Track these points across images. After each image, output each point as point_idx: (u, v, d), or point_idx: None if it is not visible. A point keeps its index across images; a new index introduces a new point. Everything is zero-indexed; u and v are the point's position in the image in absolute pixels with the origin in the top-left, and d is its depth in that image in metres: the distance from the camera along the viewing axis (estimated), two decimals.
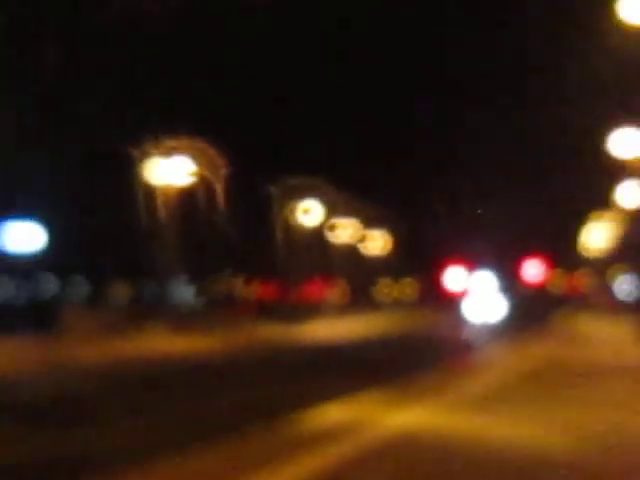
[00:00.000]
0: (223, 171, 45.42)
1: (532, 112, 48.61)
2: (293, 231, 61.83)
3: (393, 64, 58.12)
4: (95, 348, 28.43)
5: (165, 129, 42.28)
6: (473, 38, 53.09)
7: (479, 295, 57.26)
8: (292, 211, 61.08)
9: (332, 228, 67.71)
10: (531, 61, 48.03)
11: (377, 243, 79.04)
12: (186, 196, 44.12)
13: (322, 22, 51.83)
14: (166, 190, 42.92)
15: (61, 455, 9.53)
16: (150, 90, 43.52)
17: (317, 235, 65.34)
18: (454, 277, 62.93)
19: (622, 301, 56.28)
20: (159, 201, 42.87)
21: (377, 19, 54.32)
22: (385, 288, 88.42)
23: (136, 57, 42.48)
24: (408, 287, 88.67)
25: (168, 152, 42.56)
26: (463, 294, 59.18)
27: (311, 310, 60.18)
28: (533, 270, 64.97)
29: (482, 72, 55.10)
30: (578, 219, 60.97)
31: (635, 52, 19.41)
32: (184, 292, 55.88)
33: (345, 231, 70.41)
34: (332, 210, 65.16)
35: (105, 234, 46.55)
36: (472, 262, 60.80)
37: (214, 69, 47.72)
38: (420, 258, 74.50)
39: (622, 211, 44.90)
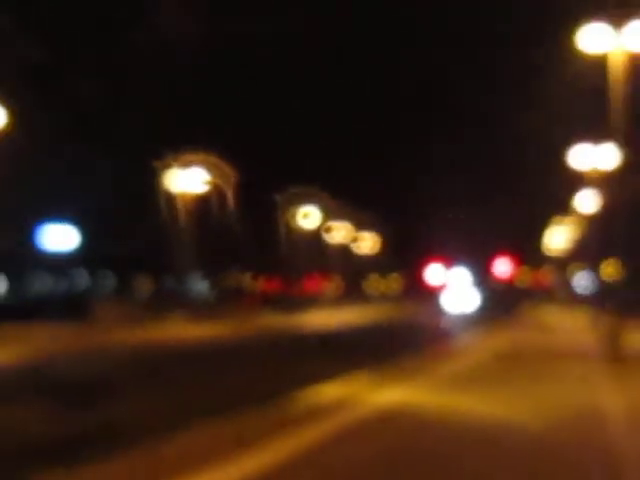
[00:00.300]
0: (233, 180, 45.44)
1: (503, 130, 48.80)
2: (294, 233, 61.84)
3: (379, 89, 59.22)
4: (121, 334, 28.40)
5: (183, 145, 42.42)
6: (452, 62, 53.33)
7: (455, 288, 57.24)
8: (293, 215, 61.15)
9: (328, 230, 67.73)
10: (503, 85, 48.21)
11: (367, 243, 79.14)
12: (201, 202, 44.14)
13: (318, 55, 51.98)
14: (184, 197, 42.95)
15: (92, 427, 9.51)
16: (171, 111, 43.73)
17: (315, 236, 65.38)
18: (434, 273, 62.81)
19: (580, 294, 56.33)
20: (178, 206, 42.90)
21: (368, 49, 54.75)
22: (374, 282, 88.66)
23: (158, 83, 42.63)
24: (394, 282, 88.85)
25: (186, 164, 42.65)
26: (442, 288, 59.12)
27: (309, 302, 60.17)
28: (503, 267, 64.92)
29: (458, 91, 55.40)
30: (542, 222, 61.03)
31: (592, 78, 19.34)
32: (199, 286, 55.85)
33: (339, 233, 70.46)
34: (328, 215, 65.25)
35: (130, 235, 46.65)
36: (449, 260, 60.74)
37: (227, 95, 48.04)
38: (404, 256, 74.67)
39: (580, 216, 44.87)
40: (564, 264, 65.49)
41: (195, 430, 7.98)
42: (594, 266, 37.53)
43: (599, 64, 18.79)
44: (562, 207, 48.15)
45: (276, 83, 51.20)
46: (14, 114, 29.47)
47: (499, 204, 59.47)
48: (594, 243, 36.37)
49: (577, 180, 33.81)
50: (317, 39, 47.80)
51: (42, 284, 51.75)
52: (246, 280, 67.46)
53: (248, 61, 49.93)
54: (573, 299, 57.19)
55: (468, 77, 53.38)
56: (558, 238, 60.99)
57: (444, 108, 59.84)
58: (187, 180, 43.00)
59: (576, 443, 7.63)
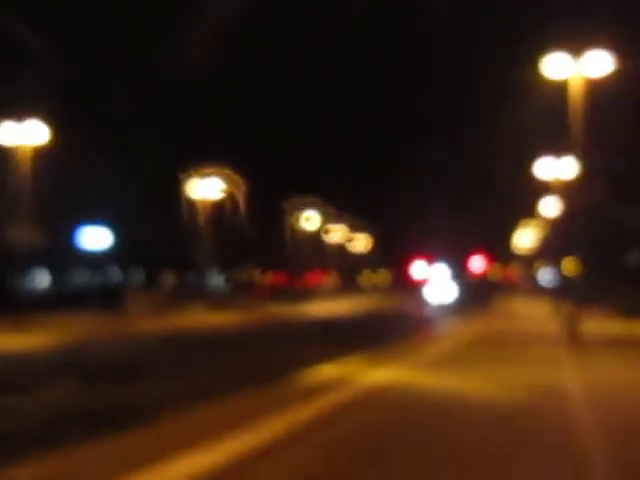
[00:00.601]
0: (243, 189, 45.51)
1: (479, 146, 49.04)
2: (297, 234, 61.80)
3: (369, 120, 60.50)
4: (149, 322, 28.39)
5: (202, 160, 42.58)
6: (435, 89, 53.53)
7: (436, 282, 57.09)
8: (297, 219, 61.12)
9: (327, 232, 67.76)
10: (479, 107, 48.35)
11: (360, 243, 79.34)
12: (217, 208, 44.18)
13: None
14: (203, 203, 42.98)
15: (121, 402, 9.55)
16: (193, 131, 43.90)
17: (315, 237, 65.35)
18: (417, 268, 62.57)
19: (543, 287, 56.30)
20: (198, 211, 42.98)
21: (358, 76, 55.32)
22: (366, 276, 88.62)
23: (181, 106, 42.71)
24: (383, 276, 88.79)
25: (204, 175, 42.74)
26: (424, 281, 58.95)
27: (311, 293, 60.15)
28: (477, 263, 64.73)
29: (441, 113, 55.70)
30: (511, 225, 61.10)
31: (554, 101, 19.38)
32: (216, 280, 55.68)
33: (336, 234, 70.53)
34: (327, 219, 65.34)
35: (157, 236, 46.67)
36: (431, 257, 60.55)
37: (240, 118, 48.29)
38: (392, 254, 74.74)
39: (544, 219, 44.84)
40: (530, 261, 65.55)
41: (212, 404, 8.01)
42: (556, 263, 37.57)
43: (561, 88, 18.82)
44: (528, 212, 48.05)
45: (284, 114, 52.22)
46: (55, 131, 29.49)
47: (474, 209, 59.81)
48: (556, 243, 36.39)
49: (541, 188, 33.77)
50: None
51: (80, 278, 51.65)
52: (256, 275, 67.34)
53: (262, 88, 50.44)
54: (537, 291, 57.21)
55: (450, 100, 53.58)
56: (525, 238, 60.97)
57: (429, 130, 60.84)
58: (205, 189, 43.12)
59: (542, 412, 7.70)
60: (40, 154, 29.08)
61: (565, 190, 27.02)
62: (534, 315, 32.14)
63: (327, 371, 11.22)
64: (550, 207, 37.22)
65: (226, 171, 43.71)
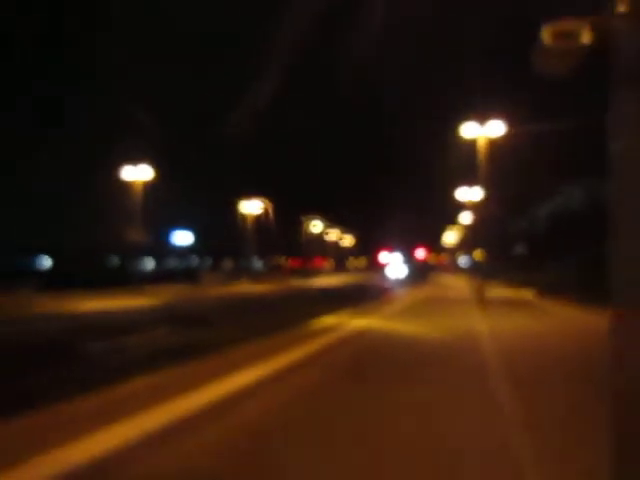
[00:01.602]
0: (272, 208, 45.71)
1: (425, 179, 49.04)
2: (308, 235, 61.99)
3: (356, 159, 60.91)
4: (215, 290, 28.51)
5: (248, 190, 42.78)
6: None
7: (394, 264, 57.19)
8: (308, 226, 61.32)
9: (326, 234, 67.83)
10: (424, 155, 48.30)
11: (348, 240, 79.36)
12: (258, 218, 44.24)
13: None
14: (249, 216, 43.03)
15: (197, 340, 9.56)
16: (243, 172, 44.06)
17: (319, 237, 65.53)
18: (383, 256, 62.73)
19: (461, 268, 56.24)
20: (246, 221, 43.04)
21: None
22: (351, 261, 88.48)
23: (235, 157, 42.77)
24: (362, 261, 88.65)
25: (249, 198, 42.80)
26: (387, 264, 59.01)
27: (316, 272, 60.11)
28: (421, 253, 64.80)
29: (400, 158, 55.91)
30: (442, 229, 60.88)
31: (468, 152, 19.31)
32: (257, 264, 55.74)
33: (332, 235, 70.65)
34: (327, 225, 65.45)
35: (220, 236, 46.83)
36: (391, 248, 60.69)
37: (271, 166, 48.42)
38: (367, 247, 75.23)
39: (462, 226, 44.74)
40: (453, 251, 65.31)
41: (256, 341, 7.99)
42: (469, 252, 37.58)
43: (472, 144, 18.80)
44: (452, 220, 47.85)
45: (299, 164, 52.53)
46: (157, 171, 29.55)
47: (419, 219, 59.72)
48: (469, 240, 36.40)
49: (460, 206, 33.64)
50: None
51: (173, 263, 51.72)
52: (282, 260, 67.32)
53: (283, 145, 50.60)
54: (458, 271, 57.09)
55: (404, 152, 53.65)
56: (450, 237, 60.70)
57: (391, 172, 61.47)
58: (251, 207, 43.16)
59: (461, 342, 7.75)
60: (147, 185, 29.13)
61: (475, 207, 27.00)
62: (456, 286, 32.17)
63: (326, 320, 11.23)
64: (465, 218, 37.14)
65: (262, 197, 44.01)
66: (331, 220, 65.41)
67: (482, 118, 18.37)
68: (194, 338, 10.07)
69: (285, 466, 3.14)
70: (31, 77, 34.49)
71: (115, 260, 44.50)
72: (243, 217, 43.14)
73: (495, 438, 3.53)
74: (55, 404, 4.21)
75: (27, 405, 4.22)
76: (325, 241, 69.15)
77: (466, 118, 18.69)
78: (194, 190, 40.69)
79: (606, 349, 2.00)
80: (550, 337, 8.86)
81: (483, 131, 18.44)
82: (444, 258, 73.21)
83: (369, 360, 6.66)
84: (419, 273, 51.92)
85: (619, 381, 1.95)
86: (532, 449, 3.28)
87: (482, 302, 16.42)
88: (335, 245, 75.31)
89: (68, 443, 3.05)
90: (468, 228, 38.13)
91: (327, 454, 3.28)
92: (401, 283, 40.40)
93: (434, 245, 67.61)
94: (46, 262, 47.30)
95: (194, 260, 53.55)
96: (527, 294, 21.53)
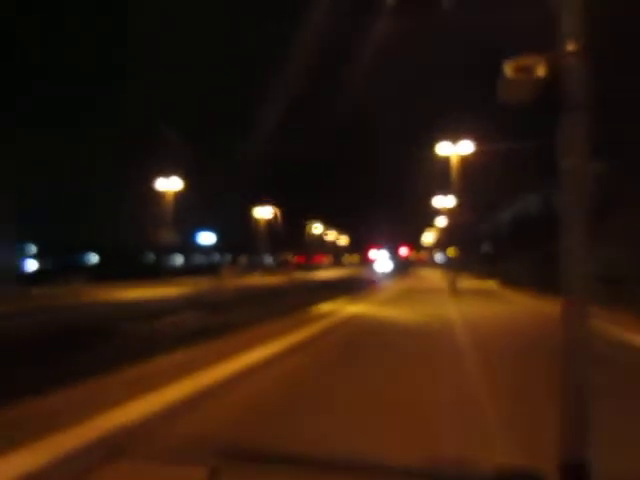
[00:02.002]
0: (279, 213, 45.67)
1: (406, 190, 48.78)
2: (310, 235, 61.86)
3: (347, 184, 60.86)
4: (233, 281, 28.47)
5: (261, 199, 42.73)
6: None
7: (381, 260, 57.19)
8: (310, 228, 61.20)
9: (325, 234, 67.72)
10: (405, 171, 47.90)
11: (343, 240, 79.10)
12: (269, 222, 44.19)
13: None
14: (261, 220, 43.00)
15: (219, 322, 9.57)
16: (257, 184, 43.96)
17: (320, 237, 65.39)
18: (372, 253, 62.72)
19: (438, 263, 56.18)
20: (259, 223, 43.01)
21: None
22: (347, 258, 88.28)
23: (250, 172, 42.64)
24: (355, 257, 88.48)
25: (262, 205, 42.77)
26: (375, 260, 59.00)
27: (317, 267, 60.00)
28: (404, 250, 64.75)
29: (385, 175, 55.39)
30: (421, 230, 60.74)
31: (443, 167, 19.30)
32: (268, 259, 55.72)
33: (331, 235, 70.38)
34: (325, 227, 65.34)
35: (238, 236, 46.79)
36: (379, 246, 60.68)
37: (280, 181, 48.18)
38: (360, 245, 74.92)
39: (438, 228, 44.66)
40: (431, 249, 65.19)
41: (269, 324, 8.03)
42: (444, 250, 37.51)
43: (447, 160, 18.79)
44: (430, 224, 47.68)
45: (303, 179, 51.87)
46: (186, 182, 29.48)
47: (402, 222, 59.58)
48: (444, 240, 36.31)
49: (437, 212, 33.56)
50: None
51: (198, 259, 51.78)
52: (289, 256, 67.28)
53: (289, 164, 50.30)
54: (435, 266, 56.96)
55: (389, 168, 53.33)
56: (428, 237, 60.64)
57: (376, 189, 61.49)
58: (263, 212, 43.10)
59: (438, 327, 7.70)
60: (177, 194, 29.11)
61: (448, 213, 26.94)
62: (433, 278, 32.17)
63: (325, 307, 11.25)
64: (441, 221, 37.07)
65: (272, 205, 43.98)
66: (329, 224, 65.45)
67: (454, 138, 18.38)
68: (216, 321, 10.09)
69: (304, 398, 3.51)
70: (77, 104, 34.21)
71: (150, 257, 44.51)
72: (256, 221, 43.07)
73: (463, 388, 3.84)
74: (103, 374, 4.25)
75: (82, 375, 4.26)
76: (324, 241, 69.02)
77: (441, 138, 18.72)
78: (216, 198, 40.74)
79: (555, 328, 2.05)
80: (509, 319, 8.88)
81: (455, 149, 18.43)
82: (423, 255, 73.10)
83: (362, 336, 6.70)
84: (402, 267, 51.92)
85: (568, 352, 2.03)
86: (491, 395, 3.59)
87: (454, 291, 16.43)
88: (333, 244, 75.14)
89: (117, 407, 3.11)
90: (443, 230, 38.03)
91: (331, 396, 3.67)
92: (387, 276, 40.38)
93: (415, 244, 67.48)
94: (93, 258, 47.44)
95: (216, 256, 53.53)
96: (492, 285, 21.52)
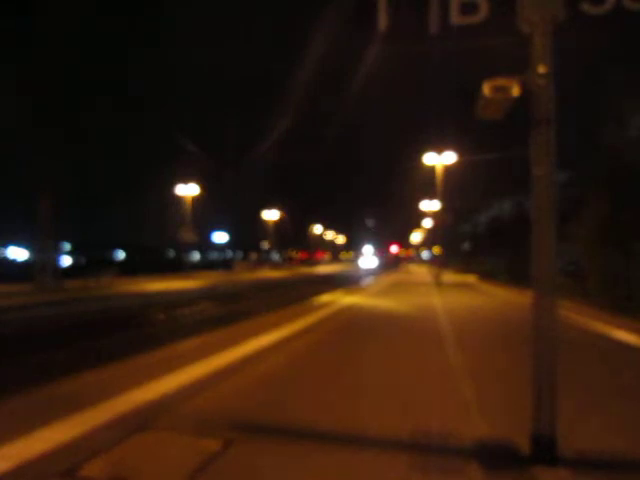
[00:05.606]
0: (286, 215, 45.54)
1: (392, 199, 48.36)
2: (312, 235, 61.80)
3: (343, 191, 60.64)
4: (244, 275, 28.44)
5: (269, 203, 42.67)
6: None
7: (368, 257, 56.97)
8: (312, 229, 61.10)
9: (325, 234, 67.67)
10: (392, 179, 47.70)
11: (341, 239, 79.16)
12: (276, 223, 44.16)
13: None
14: (270, 221, 42.93)
15: (232, 311, 9.55)
16: (267, 190, 43.85)
17: (320, 237, 65.34)
18: (366, 250, 62.55)
19: (424, 260, 56.06)
20: (267, 224, 42.93)
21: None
22: (344, 255, 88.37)
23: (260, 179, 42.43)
24: (351, 254, 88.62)
25: (270, 208, 42.71)
26: (367, 256, 58.86)
27: (317, 262, 59.96)
28: (394, 248, 64.58)
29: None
30: (410, 230, 60.54)
31: (429, 175, 19.20)
32: (275, 256, 55.64)
33: (329, 235, 70.42)
34: (325, 228, 65.29)
35: (248, 236, 46.80)
36: (371, 245, 60.52)
37: (286, 188, 48.03)
38: (354, 244, 74.74)
39: (425, 229, 44.50)
40: (418, 247, 65.03)
41: (276, 312, 8.02)
42: (430, 248, 37.38)
43: (432, 169, 18.72)
44: (417, 225, 47.65)
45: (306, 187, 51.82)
46: (202, 188, 29.39)
47: (393, 224, 59.54)
48: (430, 239, 36.21)
49: (423, 214, 33.42)
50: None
51: (213, 256, 51.75)
52: (293, 253, 67.29)
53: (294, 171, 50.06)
54: (422, 262, 56.82)
55: (376, 177, 53.23)
56: (416, 237, 60.55)
57: (365, 196, 61.56)
58: (271, 215, 43.00)
59: (424, 315, 7.66)
60: (195, 198, 29.05)
61: (434, 215, 26.82)
62: (420, 273, 32.07)
63: (325, 298, 11.22)
64: (427, 223, 36.98)
65: (279, 208, 43.91)
66: (328, 225, 65.55)
67: (439, 150, 18.34)
68: (230, 310, 10.09)
69: (311, 375, 3.61)
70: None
71: (172, 253, 44.55)
72: (265, 221, 43.11)
73: (444, 363, 3.98)
74: (132, 356, 4.29)
75: (114, 357, 4.30)
76: (324, 239, 69.15)
77: (427, 150, 18.68)
78: (229, 202, 40.80)
79: (525, 315, 2.07)
80: (485, 308, 8.86)
81: (440, 159, 18.40)
82: (411, 252, 73.03)
83: (358, 323, 6.69)
84: (393, 263, 51.82)
85: (539, 337, 2.05)
86: (470, 370, 3.73)
87: (438, 284, 16.41)
88: (332, 242, 75.31)
89: (144, 385, 3.15)
90: (429, 230, 37.92)
91: (333, 368, 3.81)
92: (377, 271, 40.30)
93: (404, 243, 67.39)
94: (120, 255, 47.41)
95: (229, 253, 53.58)
96: (471, 279, 21.49)
